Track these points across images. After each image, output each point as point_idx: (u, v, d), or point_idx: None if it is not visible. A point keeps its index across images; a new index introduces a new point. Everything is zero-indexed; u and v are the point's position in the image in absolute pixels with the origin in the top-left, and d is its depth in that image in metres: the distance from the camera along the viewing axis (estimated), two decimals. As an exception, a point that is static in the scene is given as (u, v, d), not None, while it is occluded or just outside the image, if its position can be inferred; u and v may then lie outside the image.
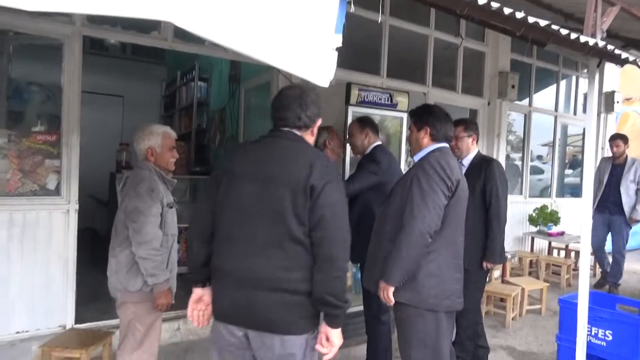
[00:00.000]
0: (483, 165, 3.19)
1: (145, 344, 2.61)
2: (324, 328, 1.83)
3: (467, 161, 3.28)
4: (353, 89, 3.89)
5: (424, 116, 2.51)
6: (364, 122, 3.38)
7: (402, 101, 4.12)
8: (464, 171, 3.12)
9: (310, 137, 1.98)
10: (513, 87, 6.16)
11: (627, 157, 5.59)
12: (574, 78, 7.79)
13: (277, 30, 1.49)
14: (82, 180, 6.38)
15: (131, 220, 2.47)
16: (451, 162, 2.40)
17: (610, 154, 5.83)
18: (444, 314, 2.38)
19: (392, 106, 4.08)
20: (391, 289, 2.32)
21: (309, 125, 1.94)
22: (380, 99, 4.03)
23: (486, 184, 3.14)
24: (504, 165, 6.43)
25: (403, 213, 2.32)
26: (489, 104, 6.31)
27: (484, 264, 3.13)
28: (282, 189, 1.78)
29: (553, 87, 7.55)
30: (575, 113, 7.85)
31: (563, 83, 7.72)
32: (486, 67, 6.27)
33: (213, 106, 6.79)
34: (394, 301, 2.34)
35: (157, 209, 2.52)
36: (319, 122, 2.00)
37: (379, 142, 3.36)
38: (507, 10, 2.01)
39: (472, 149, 3.31)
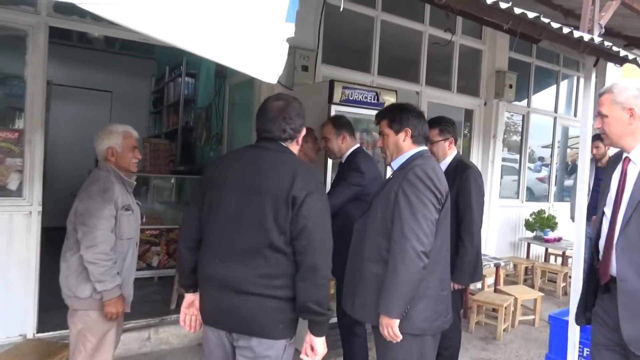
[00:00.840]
0: (458, 173, 2.80)
1: (97, 357, 2.44)
2: (308, 337, 1.87)
3: (443, 166, 2.84)
4: (337, 86, 3.66)
5: (402, 116, 2.22)
6: (340, 124, 3.12)
7: (390, 100, 3.88)
8: None
9: (295, 147, 2.01)
10: (511, 86, 5.94)
11: (609, 158, 5.22)
12: (575, 79, 7.55)
13: (214, 18, 1.27)
14: (66, 178, 6.29)
15: (81, 222, 2.33)
16: (438, 170, 2.14)
17: None
18: (430, 337, 2.14)
19: (379, 105, 3.84)
20: (395, 323, 2.00)
21: (293, 137, 1.97)
22: (365, 97, 3.80)
23: (459, 194, 2.75)
24: (499, 168, 6.24)
25: (385, 230, 2.06)
26: (485, 104, 6.08)
27: (452, 285, 2.64)
28: (264, 199, 1.82)
29: (553, 88, 7.32)
30: (576, 115, 7.61)
31: (564, 84, 7.49)
32: (483, 65, 6.05)
33: (200, 103, 6.57)
34: (400, 337, 2.02)
35: (109, 210, 2.38)
36: (304, 130, 2.03)
37: (357, 145, 3.13)
38: (489, 0, 1.78)
39: (448, 153, 2.93)
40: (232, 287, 1.84)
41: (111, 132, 2.52)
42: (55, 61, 7.33)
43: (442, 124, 2.90)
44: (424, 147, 2.25)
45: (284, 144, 1.95)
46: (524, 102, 6.75)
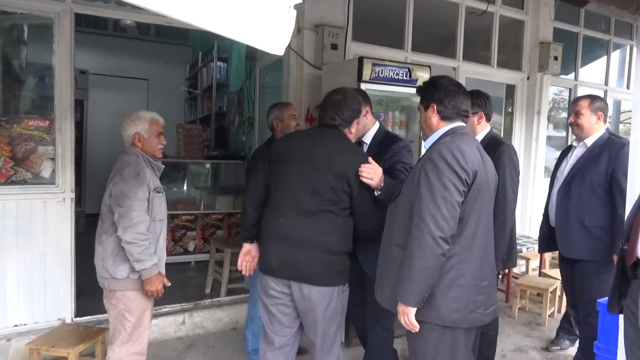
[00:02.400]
0: (490, 150, 2.50)
1: (135, 336, 2.53)
2: None
3: None
4: (366, 63, 3.49)
5: (429, 91, 2.08)
6: (366, 96, 2.78)
7: (423, 76, 3.68)
8: None
9: (349, 133, 2.41)
10: (556, 58, 5.56)
11: None
12: (627, 48, 7.03)
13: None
14: (105, 166, 6.32)
15: (117, 204, 2.40)
16: (466, 149, 1.94)
17: None
18: (462, 330, 1.99)
19: (412, 82, 3.65)
20: (411, 311, 1.90)
21: (344, 125, 2.38)
22: (397, 74, 3.61)
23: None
24: (544, 146, 5.90)
25: (412, 214, 1.93)
26: (528, 78, 5.73)
27: None
28: (322, 172, 2.23)
29: (603, 59, 6.84)
30: (629, 87, 7.11)
31: (615, 54, 6.98)
32: (525, 37, 5.68)
33: (232, 87, 6.53)
34: (417, 327, 1.92)
35: (143, 192, 2.46)
36: (356, 120, 2.43)
37: (377, 123, 2.81)
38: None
39: (478, 129, 2.78)
40: (293, 242, 2.22)
41: (138, 118, 2.61)
42: (91, 51, 7.52)
43: (470, 97, 2.65)
44: (459, 124, 2.07)
45: (339, 129, 2.36)
46: (571, 76, 6.33)
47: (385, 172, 2.37)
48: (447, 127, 2.05)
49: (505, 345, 3.70)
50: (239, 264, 2.51)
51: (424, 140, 2.16)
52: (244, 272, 2.52)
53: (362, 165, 2.24)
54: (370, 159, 2.30)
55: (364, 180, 2.24)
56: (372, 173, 2.24)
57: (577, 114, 3.12)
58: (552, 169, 3.50)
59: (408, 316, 1.90)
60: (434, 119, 2.07)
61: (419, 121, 2.27)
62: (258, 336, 3.08)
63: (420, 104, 2.15)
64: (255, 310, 3.12)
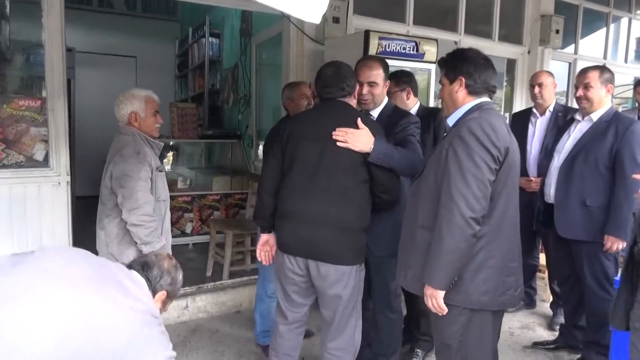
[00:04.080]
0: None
1: None
2: None
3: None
4: (372, 37, 3.37)
5: (457, 63, 1.95)
6: (387, 66, 2.61)
7: (430, 50, 3.57)
8: None
9: (353, 101, 2.37)
10: (557, 32, 5.46)
11: None
12: (625, 20, 6.95)
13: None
14: (94, 146, 6.14)
15: (120, 185, 2.32)
16: (497, 124, 1.84)
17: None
18: (491, 312, 1.92)
19: (419, 56, 3.54)
20: (440, 295, 1.83)
21: (350, 93, 2.33)
22: (404, 48, 3.49)
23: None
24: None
25: (438, 194, 1.84)
26: (529, 52, 5.64)
27: None
28: (336, 147, 2.16)
29: (601, 32, 6.75)
30: (626, 61, 7.05)
31: (613, 27, 6.89)
32: (527, 10, 5.56)
33: (226, 64, 6.33)
34: (446, 310, 1.85)
35: (146, 172, 2.38)
36: (358, 86, 2.41)
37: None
38: None
39: (409, 104, 2.91)
40: (310, 220, 2.18)
41: (133, 96, 2.51)
42: (77, 28, 7.21)
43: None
44: (485, 99, 1.96)
45: (344, 100, 2.30)
46: (571, 49, 6.25)
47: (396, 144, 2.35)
48: (473, 102, 1.94)
49: (513, 323, 3.69)
50: (257, 254, 2.47)
51: (447, 117, 2.04)
52: (264, 262, 2.47)
53: (336, 129, 2.17)
54: (359, 121, 2.20)
55: (340, 145, 2.16)
56: (346, 136, 2.15)
57: (587, 87, 2.89)
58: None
59: (437, 299, 1.83)
60: (461, 93, 1.94)
61: (440, 95, 2.12)
62: (266, 318, 3.05)
63: (445, 77, 2.01)
64: (265, 289, 3.07)
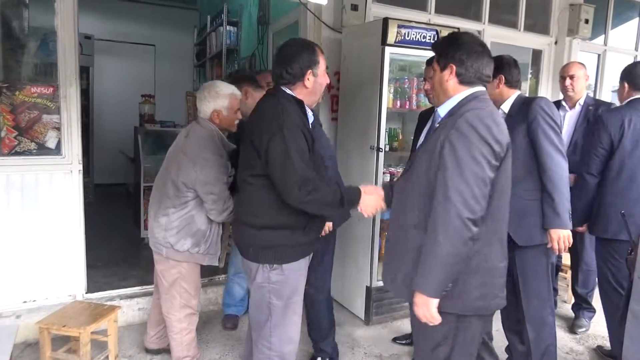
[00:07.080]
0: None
1: (192, 302, 2.73)
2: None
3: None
4: (391, 25, 3.24)
5: (448, 49, 1.76)
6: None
7: (452, 40, 3.43)
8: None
9: (304, 90, 2.05)
10: (587, 22, 5.22)
11: None
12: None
13: None
14: (112, 135, 6.09)
15: (209, 192, 2.48)
16: (497, 117, 1.68)
17: None
18: (481, 317, 1.80)
19: (439, 46, 3.40)
20: (433, 303, 1.65)
21: (291, 81, 2.02)
22: (424, 37, 3.36)
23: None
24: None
25: (430, 190, 1.67)
26: (556, 43, 5.42)
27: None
28: (246, 143, 2.05)
29: (633, 22, 6.46)
30: (659, 53, 6.75)
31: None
32: (555, -2, 5.34)
33: (243, 53, 6.24)
34: (439, 320, 1.68)
35: (226, 176, 2.57)
36: (309, 72, 2.03)
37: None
38: None
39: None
40: (236, 218, 2.22)
41: (218, 94, 2.58)
42: (97, 15, 7.22)
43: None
44: (479, 88, 1.77)
45: (286, 89, 2.03)
46: (600, 40, 5.99)
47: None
48: (465, 92, 1.76)
49: (532, 324, 3.55)
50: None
51: (437, 106, 1.85)
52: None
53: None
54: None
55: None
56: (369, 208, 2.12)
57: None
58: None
59: (429, 308, 1.66)
60: (451, 82, 1.76)
61: (431, 82, 1.96)
62: (228, 293, 3.53)
63: (436, 63, 1.82)
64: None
